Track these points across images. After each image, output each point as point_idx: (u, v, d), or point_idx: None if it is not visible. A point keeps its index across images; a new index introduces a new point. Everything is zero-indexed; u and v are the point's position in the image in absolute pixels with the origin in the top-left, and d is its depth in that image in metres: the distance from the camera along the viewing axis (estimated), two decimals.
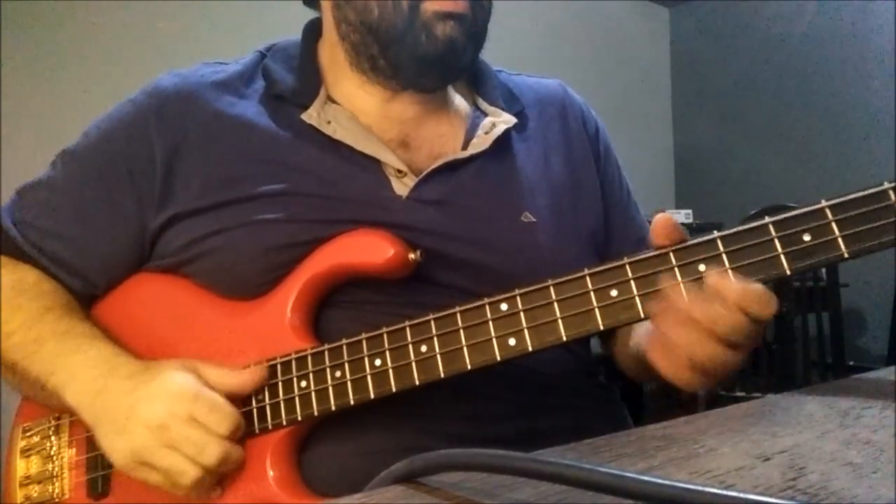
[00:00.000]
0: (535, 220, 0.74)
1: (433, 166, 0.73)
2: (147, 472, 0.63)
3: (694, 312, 0.53)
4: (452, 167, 0.74)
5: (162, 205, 0.73)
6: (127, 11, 2.33)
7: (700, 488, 0.26)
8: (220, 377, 0.65)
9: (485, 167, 0.75)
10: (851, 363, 2.93)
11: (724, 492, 0.26)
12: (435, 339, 0.60)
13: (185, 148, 0.73)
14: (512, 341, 0.58)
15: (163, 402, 0.62)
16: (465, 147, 0.76)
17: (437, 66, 0.72)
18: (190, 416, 0.62)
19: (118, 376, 0.66)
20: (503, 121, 0.78)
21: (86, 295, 0.77)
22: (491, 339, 0.59)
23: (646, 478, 0.27)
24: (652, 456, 0.38)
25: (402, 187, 0.72)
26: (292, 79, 0.77)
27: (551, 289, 0.58)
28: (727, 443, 0.39)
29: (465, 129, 0.78)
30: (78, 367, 0.67)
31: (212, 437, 0.62)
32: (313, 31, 0.81)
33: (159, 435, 0.62)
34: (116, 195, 0.74)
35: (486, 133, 0.76)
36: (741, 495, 0.25)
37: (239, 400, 0.65)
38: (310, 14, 0.82)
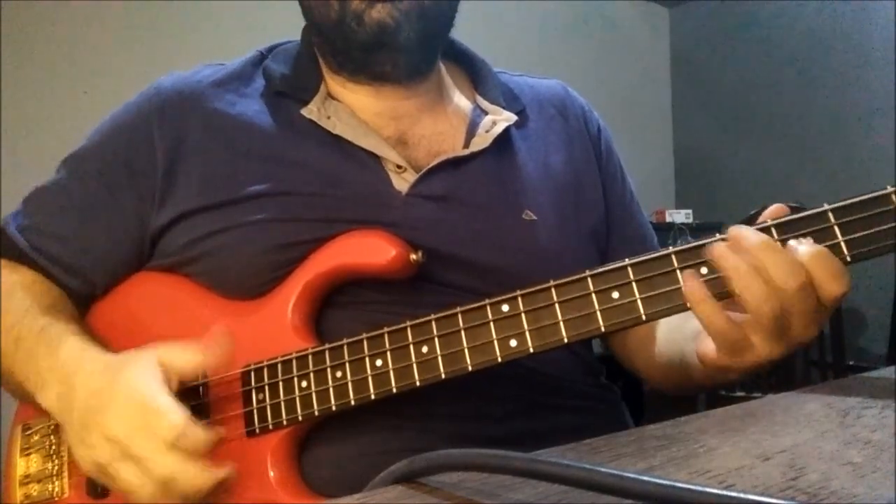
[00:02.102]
0: (535, 218, 0.74)
1: (433, 163, 0.73)
2: (111, 483, 0.59)
3: (762, 259, 0.50)
4: (453, 165, 0.74)
5: (163, 204, 0.73)
6: (127, 12, 2.33)
7: (700, 488, 0.26)
8: (179, 357, 0.61)
9: (486, 165, 0.75)
10: (851, 363, 2.93)
11: (724, 492, 0.26)
12: (436, 339, 0.60)
13: (185, 147, 0.74)
14: (513, 343, 0.58)
15: (117, 409, 0.57)
16: (466, 145, 0.76)
17: (377, 50, 0.73)
18: (142, 422, 0.56)
19: (83, 375, 0.62)
20: (504, 119, 0.78)
21: (85, 295, 0.77)
22: (492, 341, 0.59)
23: (646, 478, 0.27)
24: (652, 456, 0.38)
25: (402, 183, 0.72)
26: (293, 76, 0.77)
27: (553, 290, 0.58)
28: (727, 443, 0.39)
29: (466, 127, 0.78)
30: (46, 369, 0.65)
31: (156, 448, 0.55)
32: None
33: (113, 445, 0.57)
34: (118, 195, 0.75)
35: (487, 131, 0.76)
36: (741, 495, 0.25)
37: (239, 399, 0.65)
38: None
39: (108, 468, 0.58)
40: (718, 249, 0.52)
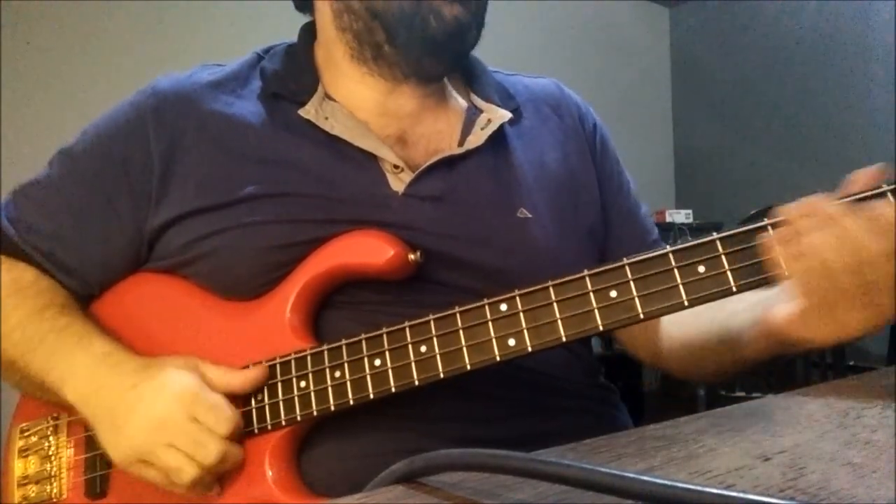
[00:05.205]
0: (531, 215, 0.74)
1: (429, 162, 0.73)
2: (146, 470, 0.64)
3: (843, 219, 0.52)
4: (449, 163, 0.73)
5: (159, 206, 0.73)
6: (127, 12, 2.33)
7: (700, 488, 0.26)
8: (220, 376, 0.65)
9: (481, 163, 0.75)
10: (851, 363, 2.93)
11: (724, 492, 0.25)
12: (434, 339, 0.60)
13: (182, 149, 0.73)
14: (511, 342, 0.58)
15: (164, 400, 0.62)
16: (460, 143, 0.76)
17: (444, 47, 0.73)
18: (191, 414, 0.62)
19: (118, 372, 0.66)
20: (498, 116, 0.77)
21: (83, 294, 0.77)
22: (490, 340, 0.59)
23: (646, 478, 0.27)
24: (652, 456, 0.38)
25: (398, 183, 0.72)
26: (290, 77, 0.77)
27: (551, 289, 0.58)
28: (727, 443, 0.39)
29: (461, 125, 0.78)
30: (77, 363, 0.68)
31: (211, 436, 0.62)
32: (308, 33, 0.81)
33: (160, 432, 0.62)
34: (113, 196, 0.74)
35: (482, 129, 0.76)
36: (741, 495, 0.25)
37: (238, 399, 0.66)
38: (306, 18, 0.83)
39: (145, 451, 0.63)
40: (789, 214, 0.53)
